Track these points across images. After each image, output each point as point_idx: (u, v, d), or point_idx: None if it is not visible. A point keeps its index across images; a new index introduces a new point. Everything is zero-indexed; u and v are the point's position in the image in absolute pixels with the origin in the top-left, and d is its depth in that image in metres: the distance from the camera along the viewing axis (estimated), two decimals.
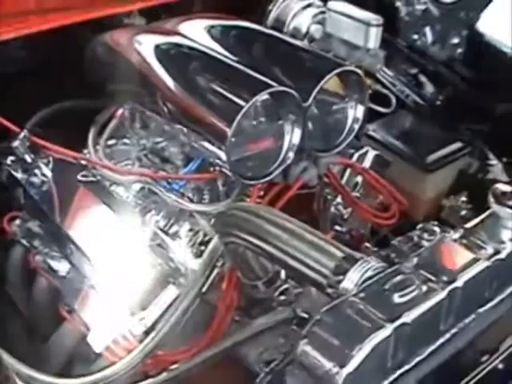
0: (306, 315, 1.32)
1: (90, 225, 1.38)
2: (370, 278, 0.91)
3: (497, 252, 0.96)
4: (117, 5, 1.63)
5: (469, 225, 1.03)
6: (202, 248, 1.34)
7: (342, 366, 0.79)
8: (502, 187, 1.02)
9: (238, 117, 1.14)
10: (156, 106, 1.41)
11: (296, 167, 1.34)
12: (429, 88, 2.08)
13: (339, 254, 0.95)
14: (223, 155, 1.19)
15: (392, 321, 0.82)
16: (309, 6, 1.85)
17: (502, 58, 1.94)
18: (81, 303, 1.32)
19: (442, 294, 0.87)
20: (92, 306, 1.31)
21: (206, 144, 1.24)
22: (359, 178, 1.58)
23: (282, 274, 1.31)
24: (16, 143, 1.48)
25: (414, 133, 1.88)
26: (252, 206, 1.23)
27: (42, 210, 1.45)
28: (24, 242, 1.57)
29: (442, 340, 0.90)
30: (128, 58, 1.47)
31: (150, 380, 1.22)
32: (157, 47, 1.44)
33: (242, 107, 1.15)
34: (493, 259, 0.94)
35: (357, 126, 1.37)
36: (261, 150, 1.24)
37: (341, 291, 0.91)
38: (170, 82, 1.33)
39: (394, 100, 1.85)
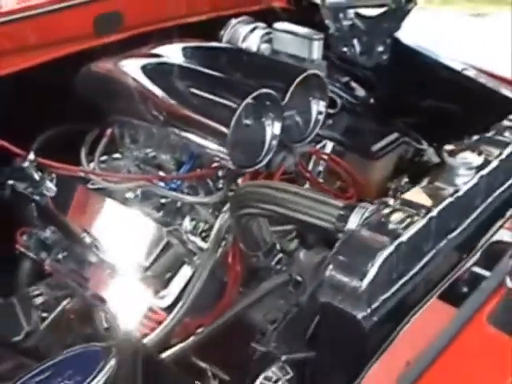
0: (300, 278, 1.57)
1: (105, 219, 1.58)
2: (367, 217, 1.17)
3: (456, 191, 1.25)
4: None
5: (429, 177, 1.32)
6: (203, 235, 1.58)
7: (361, 279, 1.05)
8: (450, 147, 1.32)
9: (237, 113, 1.39)
10: (147, 120, 1.64)
11: (277, 157, 1.60)
12: (360, 92, 2.39)
13: (340, 204, 1.21)
14: (224, 149, 1.43)
15: (392, 241, 1.09)
16: (254, 28, 2.14)
17: (421, 61, 2.30)
18: (106, 288, 1.51)
19: (424, 221, 1.15)
20: (117, 289, 1.50)
21: (207, 143, 1.47)
22: (321, 167, 1.86)
23: (277, 245, 1.56)
24: (26, 164, 1.67)
25: (357, 129, 2.18)
26: (260, 181, 1.48)
27: (54, 215, 1.64)
28: (33, 253, 1.74)
29: (425, 258, 1.18)
30: (118, 79, 1.69)
31: (182, 344, 1.43)
32: (143, 67, 1.67)
33: (238, 106, 1.40)
34: (454, 196, 1.23)
35: (321, 118, 1.65)
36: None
37: (347, 232, 1.17)
38: (166, 92, 1.56)
39: (339, 101, 2.14)
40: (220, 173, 1.68)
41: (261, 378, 0.99)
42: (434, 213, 1.18)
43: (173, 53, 1.76)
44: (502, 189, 1.39)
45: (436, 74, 2.25)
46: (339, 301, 1.06)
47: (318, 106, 1.64)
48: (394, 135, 2.16)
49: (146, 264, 1.44)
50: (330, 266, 1.08)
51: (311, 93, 1.63)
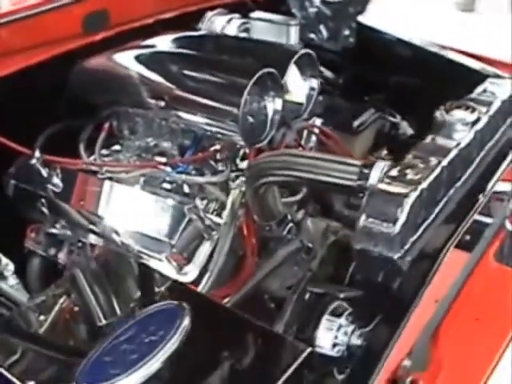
0: (310, 245, 1.68)
1: (120, 204, 1.64)
2: (386, 172, 1.28)
3: (458, 144, 1.38)
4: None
5: (431, 134, 1.44)
6: (215, 213, 1.66)
7: (394, 224, 1.16)
8: (449, 105, 1.45)
9: (246, 91, 1.48)
10: (148, 108, 1.71)
11: (278, 134, 1.70)
12: (328, 74, 2.50)
13: (358, 163, 1.32)
14: (235, 127, 1.52)
15: (415, 188, 1.21)
16: (231, 19, 2.23)
17: (386, 42, 2.44)
18: None
19: (438, 170, 1.27)
20: None
21: (216, 123, 1.55)
22: (312, 143, 1.96)
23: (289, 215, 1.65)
24: (33, 161, 1.71)
25: (334, 108, 2.29)
26: (276, 151, 1.57)
27: (66, 209, 1.69)
28: (43, 250, 1.78)
29: (440, 205, 1.30)
30: (114, 72, 1.75)
31: None
32: (138, 57, 1.74)
33: (246, 85, 1.49)
34: (458, 148, 1.36)
35: (314, 94, 1.75)
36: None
37: (371, 186, 1.28)
38: (167, 78, 1.63)
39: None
40: (218, 155, 1.76)
41: (326, 315, 1.07)
42: (445, 162, 1.30)
43: (162, 43, 1.82)
44: (491, 142, 1.52)
45: (400, 51, 2.41)
46: (374, 246, 1.17)
47: (310, 83, 1.75)
48: (371, 111, 2.29)
49: (173, 242, 1.51)
50: (363, 216, 1.18)
51: (304, 71, 1.73)
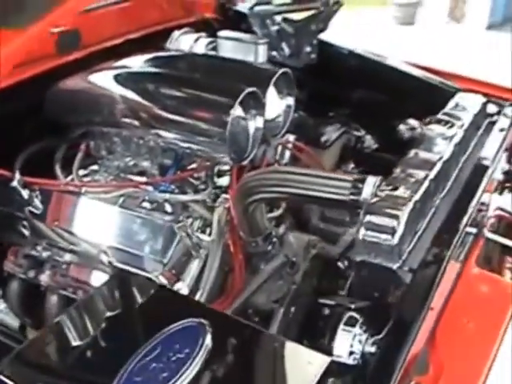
0: (294, 259, 1.72)
1: (105, 224, 1.64)
2: (378, 186, 1.34)
3: (441, 158, 1.46)
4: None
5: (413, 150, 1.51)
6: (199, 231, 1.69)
7: (393, 235, 1.22)
8: (428, 120, 1.53)
9: (233, 111, 1.52)
10: (127, 128, 1.72)
11: (258, 151, 1.74)
12: None
13: (350, 178, 1.38)
14: (222, 145, 1.55)
15: (409, 201, 1.27)
16: (198, 38, 2.27)
17: (346, 57, 2.52)
18: None
19: (426, 183, 1.34)
20: None
21: (203, 143, 1.58)
22: (287, 156, 2.01)
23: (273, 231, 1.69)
24: (14, 183, 1.70)
25: (303, 124, 2.35)
26: (266, 169, 1.61)
27: (48, 231, 1.68)
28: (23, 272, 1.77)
29: (429, 215, 1.37)
30: (90, 92, 1.76)
31: None
32: (115, 77, 1.75)
33: (233, 105, 1.53)
34: (441, 161, 1.44)
35: (291, 112, 1.81)
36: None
37: (362, 201, 1.33)
38: (148, 98, 1.65)
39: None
40: (196, 174, 1.79)
41: (341, 325, 1.11)
42: (432, 175, 1.37)
43: (137, 63, 1.84)
44: (467, 154, 1.61)
45: (360, 66, 2.49)
46: (373, 257, 1.22)
47: (287, 101, 1.80)
48: (337, 126, 2.36)
49: (165, 260, 1.52)
50: (362, 230, 1.23)
51: (281, 89, 1.78)
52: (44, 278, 1.73)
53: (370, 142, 2.41)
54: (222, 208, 1.66)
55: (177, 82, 1.70)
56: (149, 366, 0.97)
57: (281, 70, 1.75)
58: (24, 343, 1.15)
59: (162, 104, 1.66)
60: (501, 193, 1.73)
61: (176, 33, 2.26)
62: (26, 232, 1.74)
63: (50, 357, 1.08)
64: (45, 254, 1.73)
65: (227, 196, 1.70)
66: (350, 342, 1.10)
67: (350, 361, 1.10)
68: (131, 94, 1.71)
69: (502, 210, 1.53)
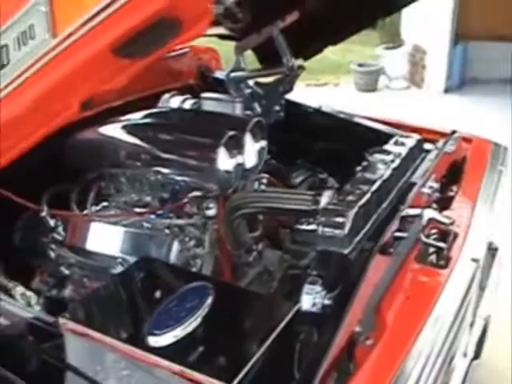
0: (271, 268, 2.13)
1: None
2: (332, 197, 1.78)
3: (381, 176, 1.90)
4: None
5: (360, 173, 1.96)
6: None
7: (343, 229, 1.64)
8: (372, 150, 1.98)
9: (220, 151, 1.95)
10: (133, 169, 2.15)
11: (239, 184, 2.17)
12: None
13: (311, 192, 1.81)
14: (213, 178, 1.98)
15: (354, 206, 1.70)
16: (185, 99, 2.72)
17: (310, 114, 3.00)
18: None
19: (369, 194, 1.78)
20: None
21: (196, 179, 2.01)
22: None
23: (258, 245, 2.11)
24: (43, 214, 2.10)
25: (275, 169, 2.77)
26: (247, 191, 2.04)
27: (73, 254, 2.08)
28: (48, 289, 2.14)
29: (372, 219, 1.80)
30: (107, 142, 2.19)
31: None
32: (121, 128, 2.19)
33: (219, 144, 1.96)
34: (381, 179, 1.88)
35: (264, 152, 2.25)
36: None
37: (323, 208, 1.75)
38: (151, 143, 2.08)
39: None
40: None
41: (306, 284, 1.52)
42: (373, 189, 1.81)
43: (137, 117, 2.28)
44: (405, 177, 2.06)
45: (323, 121, 2.97)
46: (329, 246, 1.64)
47: (261, 144, 2.24)
48: (304, 170, 2.82)
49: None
50: (321, 227, 1.66)
51: (255, 134, 2.22)
52: (67, 292, 2.11)
53: (332, 182, 2.85)
54: (212, 228, 2.08)
55: (171, 129, 2.13)
56: (171, 309, 1.40)
57: (255, 119, 2.20)
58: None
59: (160, 147, 2.09)
60: (441, 211, 2.13)
61: (166, 95, 2.71)
62: (52, 254, 2.12)
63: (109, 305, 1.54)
64: (67, 272, 2.12)
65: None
66: (314, 296, 1.50)
67: (314, 309, 1.49)
68: (135, 141, 2.13)
69: (436, 220, 1.95)
